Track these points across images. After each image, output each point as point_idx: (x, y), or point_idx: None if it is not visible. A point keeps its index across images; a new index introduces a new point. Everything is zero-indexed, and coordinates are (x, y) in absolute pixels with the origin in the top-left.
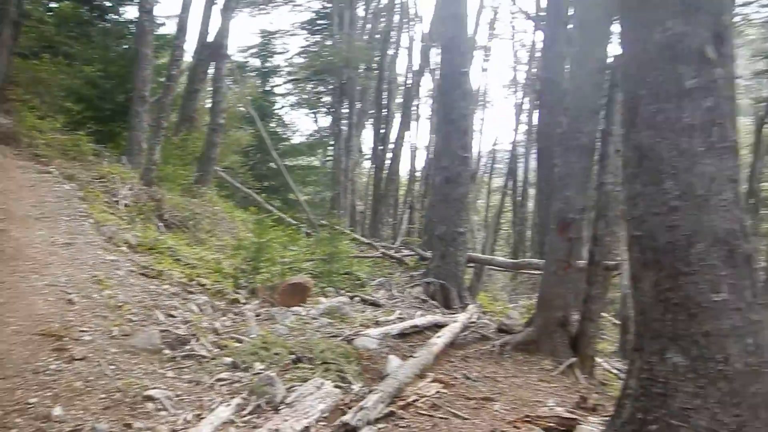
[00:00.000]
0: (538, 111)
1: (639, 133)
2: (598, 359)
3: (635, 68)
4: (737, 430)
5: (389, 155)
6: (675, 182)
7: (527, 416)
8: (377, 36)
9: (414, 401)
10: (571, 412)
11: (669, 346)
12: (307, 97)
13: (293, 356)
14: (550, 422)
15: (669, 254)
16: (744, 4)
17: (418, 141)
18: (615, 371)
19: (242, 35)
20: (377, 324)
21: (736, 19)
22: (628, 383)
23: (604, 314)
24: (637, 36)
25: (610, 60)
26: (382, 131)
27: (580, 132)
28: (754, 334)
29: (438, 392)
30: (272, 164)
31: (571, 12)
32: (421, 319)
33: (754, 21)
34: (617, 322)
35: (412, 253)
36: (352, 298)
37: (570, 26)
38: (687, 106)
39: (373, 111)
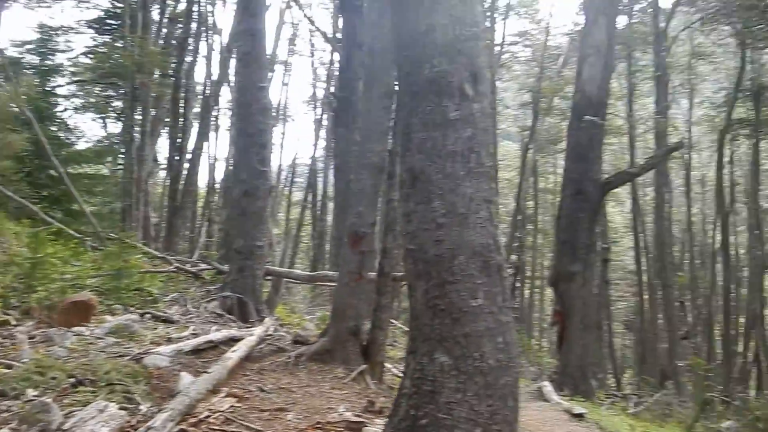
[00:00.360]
0: (335, 128)
1: (412, 157)
2: (387, 365)
3: (408, 98)
4: (490, 418)
5: (186, 166)
6: (441, 202)
7: (318, 423)
8: (174, 42)
9: (206, 417)
10: (359, 416)
11: (437, 348)
12: (94, 100)
13: (73, 379)
14: (339, 427)
15: (436, 265)
16: (512, 44)
17: (217, 152)
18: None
19: (17, 29)
20: (169, 341)
21: (506, 56)
22: (404, 384)
23: (394, 322)
24: (409, 69)
25: (396, 86)
26: (178, 141)
27: (371, 151)
28: (504, 333)
29: (232, 406)
30: (53, 172)
31: None
32: (216, 334)
33: (520, 58)
34: (407, 329)
35: (210, 267)
36: (142, 315)
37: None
38: (450, 135)
39: (169, 119)
